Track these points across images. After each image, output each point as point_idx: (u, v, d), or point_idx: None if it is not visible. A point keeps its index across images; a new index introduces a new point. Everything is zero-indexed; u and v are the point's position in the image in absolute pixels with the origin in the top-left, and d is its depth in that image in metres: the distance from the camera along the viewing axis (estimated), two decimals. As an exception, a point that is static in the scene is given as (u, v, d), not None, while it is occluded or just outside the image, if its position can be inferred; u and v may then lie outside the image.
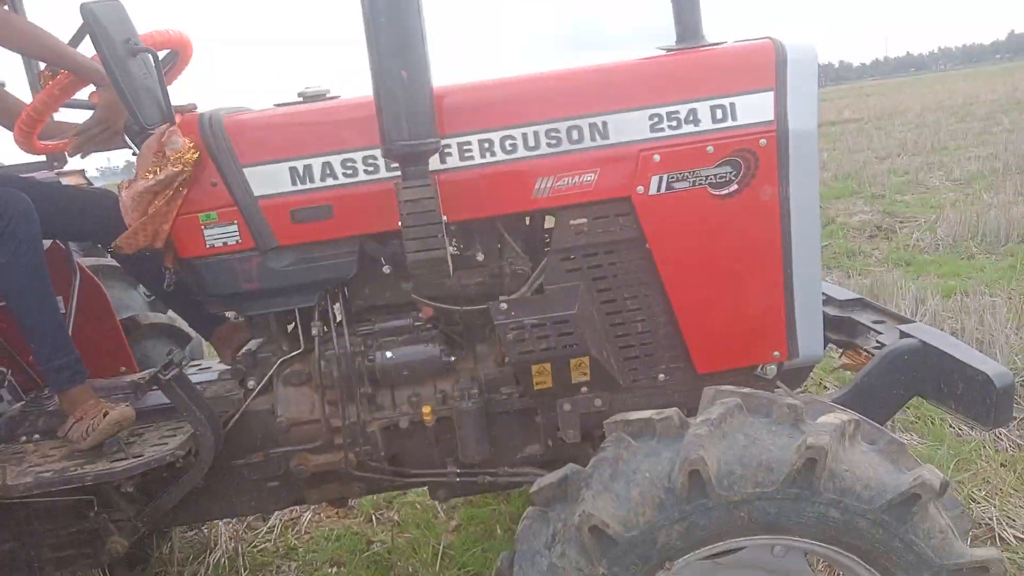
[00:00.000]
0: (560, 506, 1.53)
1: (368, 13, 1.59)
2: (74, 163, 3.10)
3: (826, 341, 2.31)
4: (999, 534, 2.55)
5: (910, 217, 7.91)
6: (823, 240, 7.30)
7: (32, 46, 1.95)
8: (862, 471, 1.44)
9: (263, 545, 3.16)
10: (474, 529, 3.05)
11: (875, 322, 2.27)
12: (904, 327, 2.11)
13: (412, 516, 3.22)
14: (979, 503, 2.71)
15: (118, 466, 1.90)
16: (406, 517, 3.22)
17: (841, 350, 2.41)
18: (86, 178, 3.04)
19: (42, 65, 2.81)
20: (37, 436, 2.15)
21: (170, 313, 3.02)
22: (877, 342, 2.14)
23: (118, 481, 1.94)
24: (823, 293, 2.40)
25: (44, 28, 1.97)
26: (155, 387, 1.95)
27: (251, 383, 2.14)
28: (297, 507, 3.40)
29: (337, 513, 3.37)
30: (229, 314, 2.13)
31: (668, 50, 2.05)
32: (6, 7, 2.06)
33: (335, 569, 2.93)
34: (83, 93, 2.17)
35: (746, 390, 1.57)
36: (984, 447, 3.08)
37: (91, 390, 2.06)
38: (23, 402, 2.33)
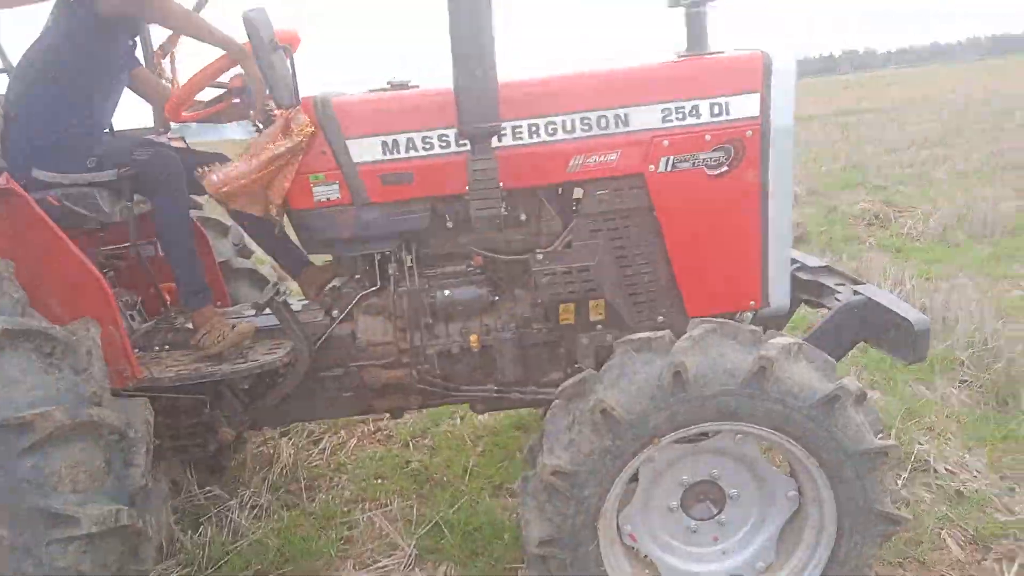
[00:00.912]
0: (578, 400, 2.08)
1: (454, 27, 2.13)
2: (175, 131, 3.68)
3: (797, 300, 2.86)
4: (933, 467, 3.10)
5: (908, 207, 8.36)
6: (823, 227, 7.82)
7: (192, 29, 2.46)
8: (800, 378, 2.00)
9: (317, 462, 3.76)
10: (497, 452, 3.63)
11: (837, 284, 2.80)
12: (856, 287, 2.65)
13: (444, 442, 3.81)
14: (922, 444, 3.25)
15: (241, 367, 2.48)
16: (439, 443, 3.81)
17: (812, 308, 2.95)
18: (185, 143, 3.61)
19: (155, 46, 3.38)
20: (167, 347, 2.73)
21: (252, 260, 3.60)
22: (835, 299, 2.68)
23: (239, 379, 2.52)
24: (798, 261, 2.94)
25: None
26: (267, 308, 2.53)
27: (335, 312, 2.70)
28: (343, 432, 4.02)
29: (378, 440, 3.98)
30: (313, 259, 2.68)
31: (680, 56, 2.59)
32: None
33: (380, 481, 3.51)
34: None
35: (720, 320, 2.11)
36: (936, 403, 3.62)
37: (215, 310, 2.64)
38: (152, 321, 2.91)
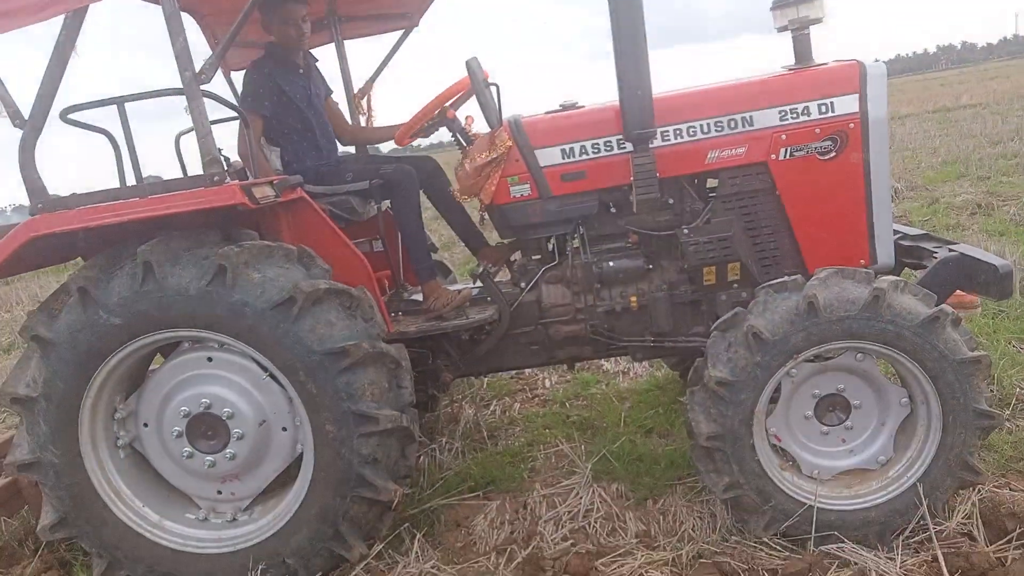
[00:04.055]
0: (733, 329, 2.75)
1: (619, 58, 2.89)
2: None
3: (900, 264, 3.42)
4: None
5: (1013, 196, 8.52)
6: (926, 217, 8.12)
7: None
8: (907, 305, 2.60)
9: (492, 419, 4.54)
10: (643, 407, 4.32)
11: (935, 247, 3.35)
12: (951, 246, 3.21)
13: (595, 401, 4.53)
14: (1022, 388, 3.72)
15: (465, 322, 3.30)
16: (592, 401, 4.53)
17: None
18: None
19: (355, 89, 4.31)
20: (401, 312, 3.57)
21: (439, 254, 4.46)
22: (934, 257, 3.24)
23: (461, 332, 3.34)
24: (900, 231, 3.51)
25: None
26: (480, 280, 3.35)
27: (523, 283, 3.48)
28: (507, 399, 4.80)
29: (537, 403, 4.74)
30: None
31: (789, 68, 3.25)
32: None
33: (548, 430, 4.25)
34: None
35: (840, 267, 2.74)
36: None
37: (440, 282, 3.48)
38: (385, 296, 3.77)
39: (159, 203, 2.64)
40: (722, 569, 2.69)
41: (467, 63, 3.09)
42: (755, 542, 2.80)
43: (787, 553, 2.75)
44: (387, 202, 3.64)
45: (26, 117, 2.68)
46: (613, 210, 3.34)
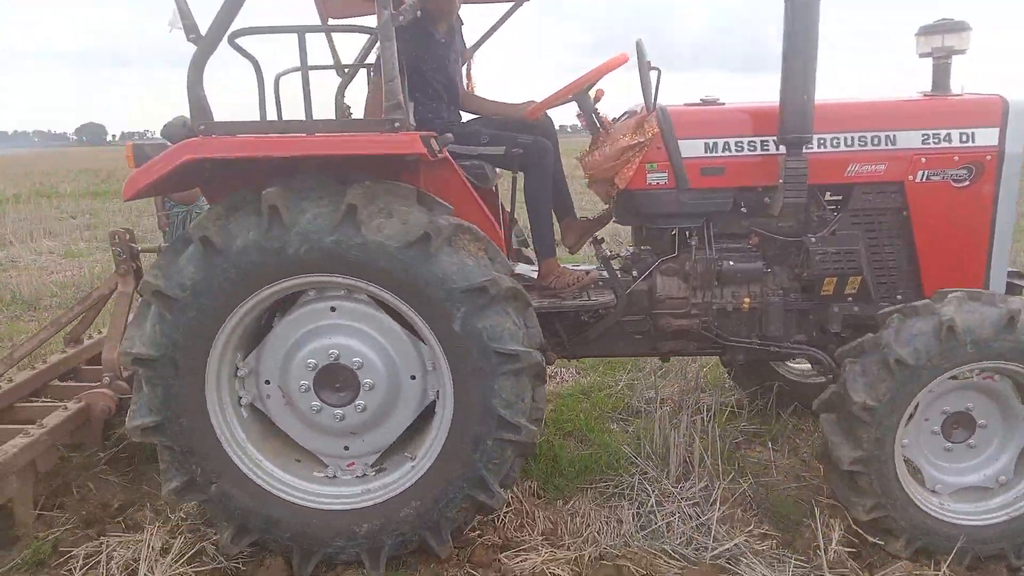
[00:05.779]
0: (870, 351, 2.78)
1: (787, 60, 2.90)
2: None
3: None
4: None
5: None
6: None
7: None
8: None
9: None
10: (565, 410, 4.38)
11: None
12: None
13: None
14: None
15: (589, 303, 3.25)
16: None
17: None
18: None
19: None
20: None
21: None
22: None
23: (583, 311, 3.29)
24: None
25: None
26: (603, 264, 3.32)
27: (635, 272, 3.46)
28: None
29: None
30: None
31: (927, 95, 3.32)
32: None
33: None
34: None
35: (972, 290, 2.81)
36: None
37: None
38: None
39: (337, 143, 2.52)
40: (621, 572, 2.79)
41: (637, 43, 3.06)
42: (656, 550, 2.92)
43: (684, 563, 2.87)
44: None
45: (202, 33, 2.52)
46: (744, 209, 3.35)
